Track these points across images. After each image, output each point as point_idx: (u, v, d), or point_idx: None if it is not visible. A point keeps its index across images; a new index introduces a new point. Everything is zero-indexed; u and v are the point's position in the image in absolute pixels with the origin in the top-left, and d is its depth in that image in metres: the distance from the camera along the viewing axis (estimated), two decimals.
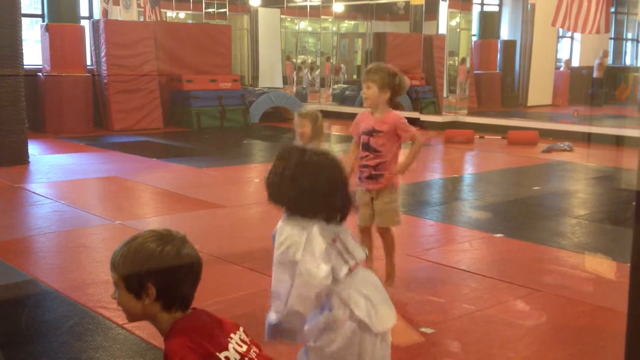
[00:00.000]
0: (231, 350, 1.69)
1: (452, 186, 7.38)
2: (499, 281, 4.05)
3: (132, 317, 1.73)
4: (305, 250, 1.95)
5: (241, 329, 1.78)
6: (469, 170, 8.57)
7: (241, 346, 1.73)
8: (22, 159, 7.80)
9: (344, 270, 2.00)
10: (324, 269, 1.93)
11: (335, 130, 12.25)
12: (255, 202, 6.06)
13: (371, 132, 3.63)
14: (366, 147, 3.68)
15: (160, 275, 1.65)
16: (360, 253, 2.07)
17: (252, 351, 1.75)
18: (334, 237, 2.02)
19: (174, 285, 1.67)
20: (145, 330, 3.10)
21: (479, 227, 5.34)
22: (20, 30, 7.68)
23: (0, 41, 7.43)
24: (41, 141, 9.81)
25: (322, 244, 1.96)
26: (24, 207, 5.91)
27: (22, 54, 7.74)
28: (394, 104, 3.66)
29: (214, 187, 6.81)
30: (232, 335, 1.74)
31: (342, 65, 19.21)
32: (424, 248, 4.82)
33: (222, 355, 1.66)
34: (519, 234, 5.16)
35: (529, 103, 16.35)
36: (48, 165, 7.87)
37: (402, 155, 3.77)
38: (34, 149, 8.72)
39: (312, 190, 1.99)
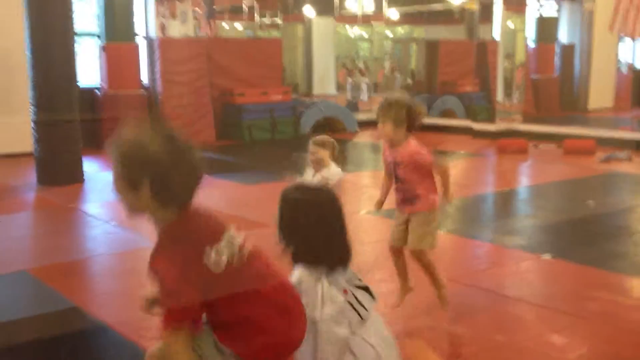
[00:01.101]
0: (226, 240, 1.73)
1: (502, 201, 7.21)
2: (543, 308, 3.92)
3: (130, 210, 1.75)
4: (324, 310, 1.94)
5: (232, 226, 1.81)
6: (521, 183, 8.37)
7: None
8: (77, 178, 8.03)
9: (355, 321, 1.98)
10: (343, 331, 1.94)
11: None
12: None
13: (395, 164, 3.61)
14: (396, 176, 3.66)
15: (154, 170, 1.67)
16: (369, 302, 2.05)
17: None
18: (345, 288, 2.00)
19: (168, 181, 1.68)
20: None
21: (527, 248, 5.19)
22: (74, 50, 7.91)
23: (55, 61, 7.66)
24: (98, 158, 10.09)
25: (339, 302, 1.95)
26: (75, 229, 6.08)
27: (75, 73, 7.97)
28: (415, 129, 3.58)
29: (259, 204, 6.84)
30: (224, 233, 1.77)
31: (397, 70, 19.12)
32: (467, 271, 4.71)
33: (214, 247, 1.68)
34: (570, 255, 4.98)
35: (590, 107, 15.87)
36: (102, 183, 8.07)
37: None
38: (90, 167, 8.97)
39: (311, 237, 2.00)
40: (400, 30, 20.99)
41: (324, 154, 4.03)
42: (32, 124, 7.85)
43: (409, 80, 18.45)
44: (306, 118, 12.78)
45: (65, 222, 6.29)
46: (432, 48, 16.04)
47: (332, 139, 4.13)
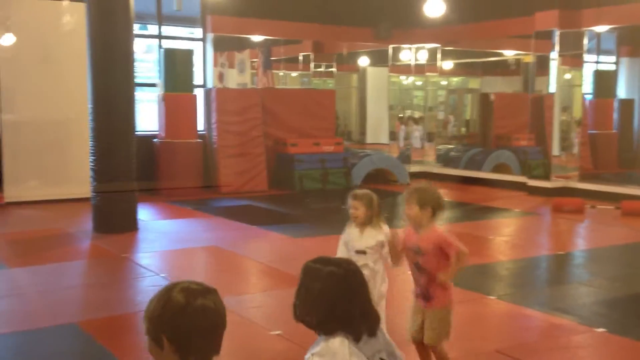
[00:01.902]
0: None
1: (556, 266, 7.03)
2: None
3: None
4: None
5: None
6: (576, 246, 8.14)
7: None
8: (131, 226, 8.23)
9: None
10: None
11: (448, 196, 12.05)
12: None
13: (417, 252, 3.58)
14: (415, 265, 3.63)
15: (170, 328, 1.72)
16: None
17: None
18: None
19: (185, 338, 1.72)
20: None
21: (580, 319, 5.01)
22: (134, 105, 8.20)
23: (116, 113, 7.94)
24: (153, 205, 10.33)
25: None
26: (126, 280, 6.20)
27: (134, 124, 8.23)
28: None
29: (305, 259, 6.86)
30: None
31: (451, 118, 19.06)
32: (515, 343, 4.58)
33: None
34: (625, 329, 4.80)
35: None
36: (155, 233, 8.25)
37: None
38: (145, 214, 9.19)
39: (333, 308, 2.01)
40: (455, 80, 21.00)
41: (361, 209, 3.92)
42: (90, 172, 8.11)
43: (463, 130, 18.36)
44: (357, 169, 12.82)
45: (117, 272, 6.42)
46: (486, 100, 15.95)
47: (370, 193, 4.01)
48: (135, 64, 8.35)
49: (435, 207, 3.55)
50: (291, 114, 12.79)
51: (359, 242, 4.00)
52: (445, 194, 12.25)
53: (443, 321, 3.59)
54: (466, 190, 12.55)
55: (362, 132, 21.99)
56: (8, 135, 9.96)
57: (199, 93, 12.14)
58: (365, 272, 3.59)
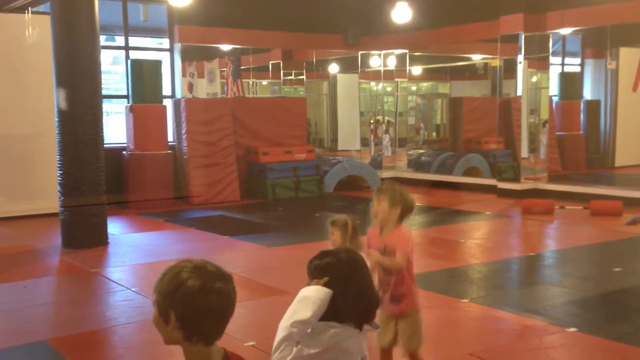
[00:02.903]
0: None
1: (526, 267, 7.10)
2: None
3: (165, 339, 1.80)
4: None
5: None
6: (546, 248, 8.22)
7: None
8: (101, 241, 8.11)
9: None
10: None
11: (419, 200, 12.09)
12: None
13: (383, 252, 3.51)
14: (381, 267, 3.55)
15: (181, 306, 1.73)
16: None
17: None
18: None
19: (194, 318, 1.74)
20: None
21: (552, 320, 5.06)
22: (102, 117, 8.09)
23: (83, 126, 7.81)
24: (123, 218, 10.21)
25: None
26: (96, 296, 6.11)
27: (102, 137, 8.12)
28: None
29: (279, 270, 6.83)
30: None
31: (422, 125, 19.20)
32: (488, 346, 4.60)
33: None
34: (597, 328, 4.85)
35: (617, 164, 15.69)
36: (126, 247, 8.14)
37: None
38: (115, 228, 9.08)
39: (340, 294, 2.12)
40: (425, 85, 21.18)
41: (336, 233, 3.83)
42: (58, 187, 7.99)
43: (434, 135, 18.51)
44: (330, 177, 12.84)
45: (87, 288, 6.33)
46: (455, 104, 16.09)
47: (347, 220, 3.90)
48: (101, 75, 8.24)
49: (404, 208, 3.48)
50: (262, 123, 12.76)
51: None
52: (416, 198, 12.28)
53: (418, 323, 3.57)
54: (437, 194, 12.63)
55: (334, 139, 22.03)
56: None
57: (168, 104, 12.05)
58: None
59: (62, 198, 7.95)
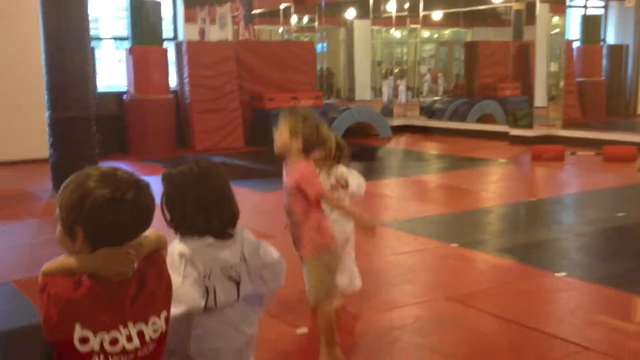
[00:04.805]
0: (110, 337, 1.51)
1: (526, 212, 6.77)
2: (542, 334, 3.54)
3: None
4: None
5: (152, 320, 1.57)
6: (549, 193, 7.85)
7: (131, 340, 1.52)
8: None
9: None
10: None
11: (422, 148, 11.78)
12: None
13: (286, 191, 3.02)
14: (285, 208, 3.10)
15: (88, 220, 1.50)
16: (229, 296, 2.03)
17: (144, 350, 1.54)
18: (205, 274, 2.00)
19: (104, 233, 1.51)
20: None
21: (543, 264, 4.79)
22: (90, 52, 7.79)
23: (71, 63, 7.55)
24: (123, 164, 10.03)
25: (190, 277, 1.99)
26: None
27: (91, 75, 7.84)
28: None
29: (271, 214, 6.61)
30: (133, 323, 1.53)
31: (440, 74, 18.65)
32: (470, 290, 4.33)
33: (98, 336, 1.48)
34: (587, 273, 4.57)
35: None
36: None
37: None
38: None
39: (185, 207, 2.04)
40: (446, 33, 20.52)
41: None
42: (47, 129, 7.81)
43: (450, 82, 17.99)
44: (338, 123, 12.45)
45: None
46: (471, 49, 15.53)
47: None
48: (88, 15, 7.92)
49: (308, 139, 2.88)
50: (268, 68, 12.39)
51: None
52: (427, 146, 11.96)
53: (316, 274, 2.97)
54: (448, 141, 12.26)
55: (351, 89, 21.59)
56: None
57: (170, 47, 11.74)
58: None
59: (51, 140, 7.77)
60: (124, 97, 11.22)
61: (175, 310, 1.81)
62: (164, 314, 1.60)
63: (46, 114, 7.77)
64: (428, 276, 4.72)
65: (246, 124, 12.06)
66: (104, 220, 1.50)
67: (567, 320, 3.77)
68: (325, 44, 23.90)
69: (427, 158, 10.71)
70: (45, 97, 7.71)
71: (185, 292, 1.93)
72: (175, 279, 1.85)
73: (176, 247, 2.01)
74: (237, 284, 2.05)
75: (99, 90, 10.85)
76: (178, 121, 11.51)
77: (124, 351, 1.51)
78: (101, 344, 1.48)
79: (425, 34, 20.45)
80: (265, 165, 9.99)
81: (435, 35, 20.57)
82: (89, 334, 1.47)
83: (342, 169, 3.73)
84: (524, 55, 14.14)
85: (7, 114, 9.74)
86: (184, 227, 2.03)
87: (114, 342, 1.49)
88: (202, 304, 1.98)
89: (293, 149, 2.92)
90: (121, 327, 1.51)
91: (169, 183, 2.06)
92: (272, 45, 13.87)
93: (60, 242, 1.56)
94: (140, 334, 1.53)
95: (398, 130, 13.29)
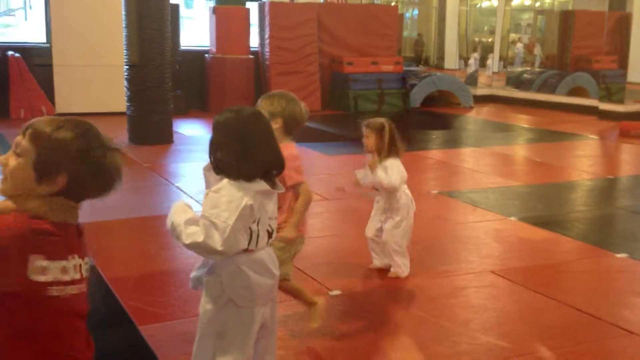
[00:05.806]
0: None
1: (597, 190, 6.41)
2: (586, 315, 3.36)
3: (9, 189, 1.54)
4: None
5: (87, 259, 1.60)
6: (627, 171, 7.39)
7: (76, 272, 1.55)
8: (166, 139, 8.17)
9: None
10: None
11: (504, 119, 11.38)
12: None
13: None
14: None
15: (76, 174, 1.53)
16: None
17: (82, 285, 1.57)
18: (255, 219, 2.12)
19: (84, 188, 1.55)
20: None
21: (599, 243, 4.54)
22: (166, 12, 7.93)
23: (147, 22, 7.73)
24: (199, 120, 10.26)
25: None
26: (137, 188, 6.10)
27: (168, 32, 7.99)
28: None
29: (330, 176, 6.59)
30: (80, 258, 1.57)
31: (537, 44, 17.85)
32: (518, 266, 4.15)
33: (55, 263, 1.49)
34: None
35: None
36: (188, 146, 8.15)
37: None
38: (187, 128, 9.13)
39: (227, 151, 2.14)
40: (547, 1, 19.61)
41: (371, 139, 3.65)
42: (125, 83, 8.06)
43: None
44: (417, 91, 12.21)
45: (129, 180, 6.35)
46: (566, 19, 14.75)
47: (384, 123, 3.65)
48: None
49: (287, 121, 2.81)
50: (349, 31, 12.24)
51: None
52: (510, 117, 11.53)
53: (281, 254, 2.78)
54: (533, 113, 11.77)
55: (440, 57, 21.06)
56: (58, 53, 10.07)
57: (253, 7, 11.80)
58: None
59: (128, 94, 8.02)
60: (206, 55, 11.42)
61: (214, 243, 2.03)
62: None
63: (124, 69, 8.02)
64: (475, 249, 4.56)
65: (324, 87, 12.02)
66: (95, 176, 1.55)
67: (620, 303, 3.56)
68: (416, 10, 23.38)
69: (507, 129, 10.34)
70: (125, 51, 7.95)
71: (229, 237, 2.06)
72: (225, 215, 2.05)
73: (234, 190, 2.10)
74: (270, 233, 2.22)
75: (182, 48, 11.10)
76: (257, 81, 11.60)
77: (72, 281, 1.52)
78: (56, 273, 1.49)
79: (526, 1, 19.60)
80: (336, 129, 9.94)
81: (537, 4, 19.67)
82: (47, 262, 1.48)
83: (390, 162, 3.69)
84: (623, 26, 13.31)
85: (91, 71, 10.13)
86: (229, 171, 2.12)
87: (65, 271, 1.51)
88: (244, 246, 2.12)
89: (276, 132, 2.69)
90: (69, 257, 1.52)
91: (215, 129, 2.18)
92: (355, 8, 13.66)
93: (16, 174, 1.52)
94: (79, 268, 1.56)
95: (482, 100, 12.88)
